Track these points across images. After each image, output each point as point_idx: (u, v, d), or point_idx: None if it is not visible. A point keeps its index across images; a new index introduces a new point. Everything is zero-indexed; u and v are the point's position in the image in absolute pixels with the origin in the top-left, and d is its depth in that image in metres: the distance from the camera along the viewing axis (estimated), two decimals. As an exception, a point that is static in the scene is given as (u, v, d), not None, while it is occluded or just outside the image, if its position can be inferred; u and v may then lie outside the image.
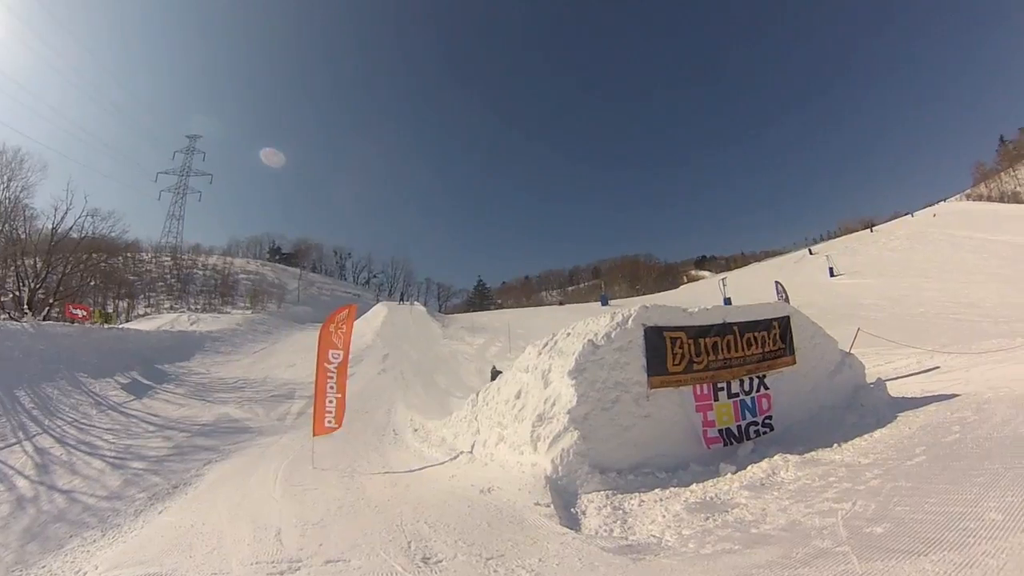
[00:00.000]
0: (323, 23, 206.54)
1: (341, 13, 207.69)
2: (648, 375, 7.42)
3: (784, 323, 8.60)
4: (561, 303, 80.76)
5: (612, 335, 7.60)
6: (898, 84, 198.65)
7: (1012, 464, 4.66)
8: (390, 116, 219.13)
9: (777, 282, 29.47)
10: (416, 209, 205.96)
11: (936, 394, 8.65)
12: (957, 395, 8.26)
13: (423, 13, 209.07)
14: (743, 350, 8.03)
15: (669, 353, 7.54)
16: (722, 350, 7.86)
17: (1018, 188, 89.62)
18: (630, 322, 7.66)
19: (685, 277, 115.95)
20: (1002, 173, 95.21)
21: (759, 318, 8.39)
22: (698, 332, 7.78)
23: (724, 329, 7.96)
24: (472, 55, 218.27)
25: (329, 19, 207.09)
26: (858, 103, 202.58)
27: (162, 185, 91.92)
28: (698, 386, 7.64)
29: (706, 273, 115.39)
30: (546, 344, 8.78)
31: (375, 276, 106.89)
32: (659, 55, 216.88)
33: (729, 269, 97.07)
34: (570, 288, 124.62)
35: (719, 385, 7.76)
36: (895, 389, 9.44)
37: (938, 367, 13.18)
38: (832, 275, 50.95)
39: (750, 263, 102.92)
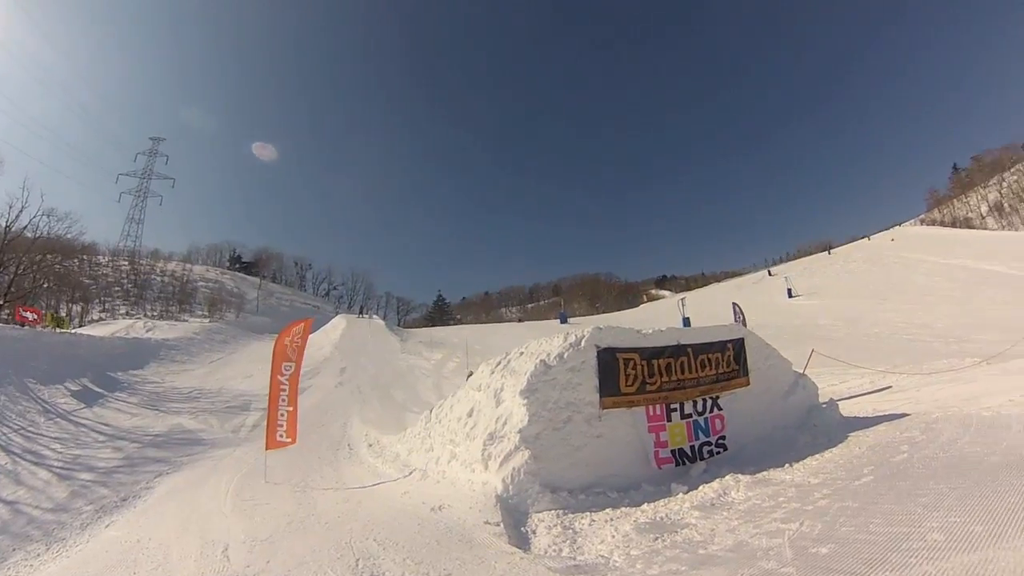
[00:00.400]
0: (296, 34, 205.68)
1: (314, 23, 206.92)
2: (600, 396, 7.45)
3: (739, 345, 8.72)
4: (520, 320, 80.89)
5: (565, 356, 7.62)
6: (858, 113, 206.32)
7: (956, 484, 4.75)
8: (356, 129, 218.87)
9: (735, 303, 29.92)
10: (379, 222, 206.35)
11: (887, 413, 8.85)
12: (907, 415, 8.44)
13: (396, 24, 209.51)
14: (697, 371, 8.12)
15: (622, 374, 7.59)
16: (676, 371, 7.94)
17: (969, 214, 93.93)
18: (583, 343, 7.69)
19: (645, 296, 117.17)
20: (955, 200, 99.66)
21: (713, 340, 8.50)
22: (652, 354, 7.84)
23: (678, 351, 8.05)
24: (439, 70, 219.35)
25: (301, 30, 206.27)
26: (818, 133, 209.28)
27: (123, 187, 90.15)
28: (651, 407, 7.69)
29: (666, 293, 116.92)
30: (499, 363, 8.79)
31: (335, 288, 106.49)
32: (623, 77, 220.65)
33: (689, 289, 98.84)
34: (530, 305, 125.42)
35: (672, 406, 7.82)
36: (848, 408, 9.63)
37: (890, 387, 13.55)
38: (790, 296, 52.39)
39: (710, 283, 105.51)
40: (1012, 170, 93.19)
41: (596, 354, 7.60)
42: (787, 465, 6.92)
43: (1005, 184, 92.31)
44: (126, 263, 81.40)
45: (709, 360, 8.28)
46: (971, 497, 4.37)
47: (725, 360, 8.46)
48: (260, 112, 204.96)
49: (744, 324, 20.64)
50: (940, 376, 13.92)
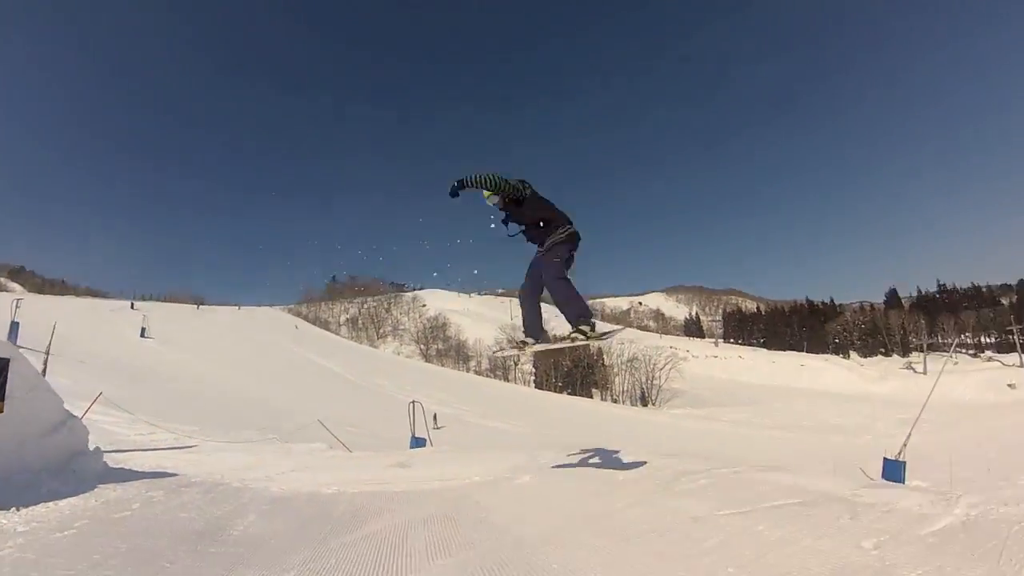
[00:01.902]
0: None
1: None
2: None
3: (2, 364, 7.40)
4: None
5: None
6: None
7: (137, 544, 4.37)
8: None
9: (15, 322, 27.77)
10: None
11: (163, 471, 8.41)
12: (176, 475, 8.07)
13: None
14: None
15: None
16: None
17: (330, 319, 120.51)
18: None
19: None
20: (322, 303, 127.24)
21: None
22: None
23: None
24: None
25: None
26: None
27: None
28: None
29: (17, 287, 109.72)
30: None
31: None
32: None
33: (43, 292, 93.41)
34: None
35: None
36: (138, 461, 9.07)
37: (197, 446, 13.50)
38: (143, 336, 51.47)
39: (71, 294, 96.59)
40: (374, 298, 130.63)
41: None
42: (13, 508, 5.88)
43: (365, 306, 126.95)
44: None
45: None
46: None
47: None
48: None
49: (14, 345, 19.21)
50: (247, 444, 14.94)
